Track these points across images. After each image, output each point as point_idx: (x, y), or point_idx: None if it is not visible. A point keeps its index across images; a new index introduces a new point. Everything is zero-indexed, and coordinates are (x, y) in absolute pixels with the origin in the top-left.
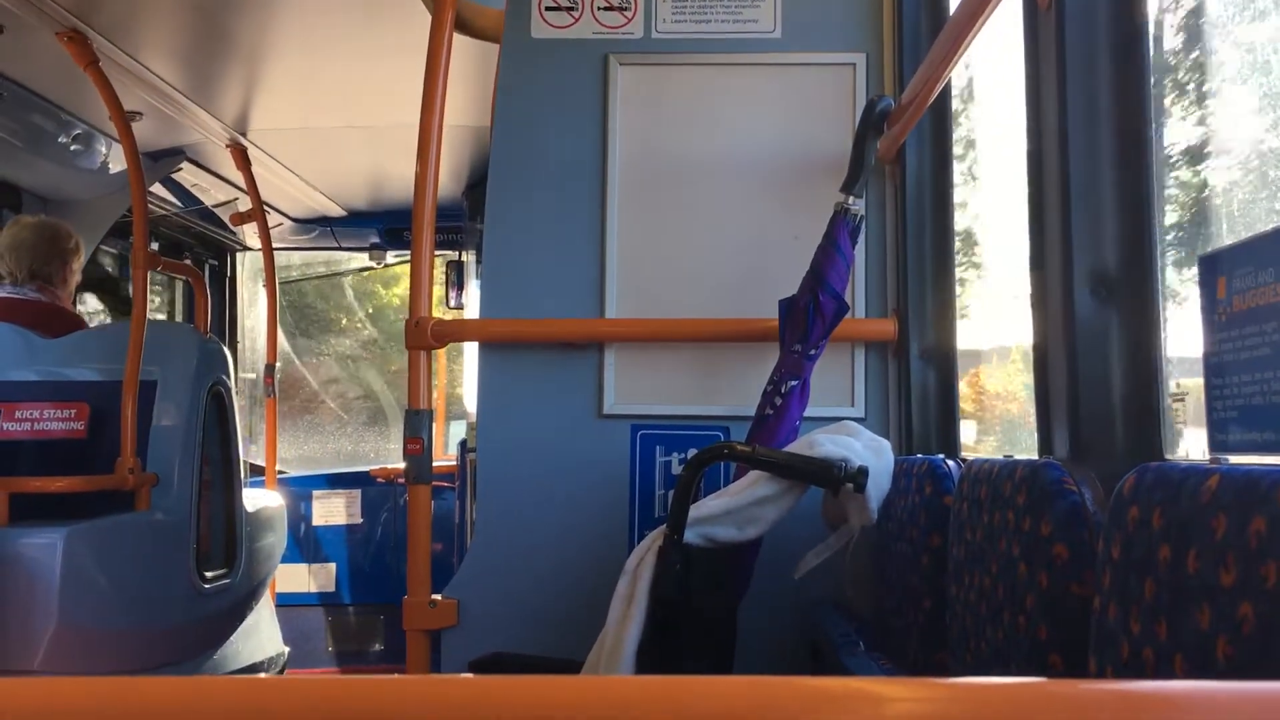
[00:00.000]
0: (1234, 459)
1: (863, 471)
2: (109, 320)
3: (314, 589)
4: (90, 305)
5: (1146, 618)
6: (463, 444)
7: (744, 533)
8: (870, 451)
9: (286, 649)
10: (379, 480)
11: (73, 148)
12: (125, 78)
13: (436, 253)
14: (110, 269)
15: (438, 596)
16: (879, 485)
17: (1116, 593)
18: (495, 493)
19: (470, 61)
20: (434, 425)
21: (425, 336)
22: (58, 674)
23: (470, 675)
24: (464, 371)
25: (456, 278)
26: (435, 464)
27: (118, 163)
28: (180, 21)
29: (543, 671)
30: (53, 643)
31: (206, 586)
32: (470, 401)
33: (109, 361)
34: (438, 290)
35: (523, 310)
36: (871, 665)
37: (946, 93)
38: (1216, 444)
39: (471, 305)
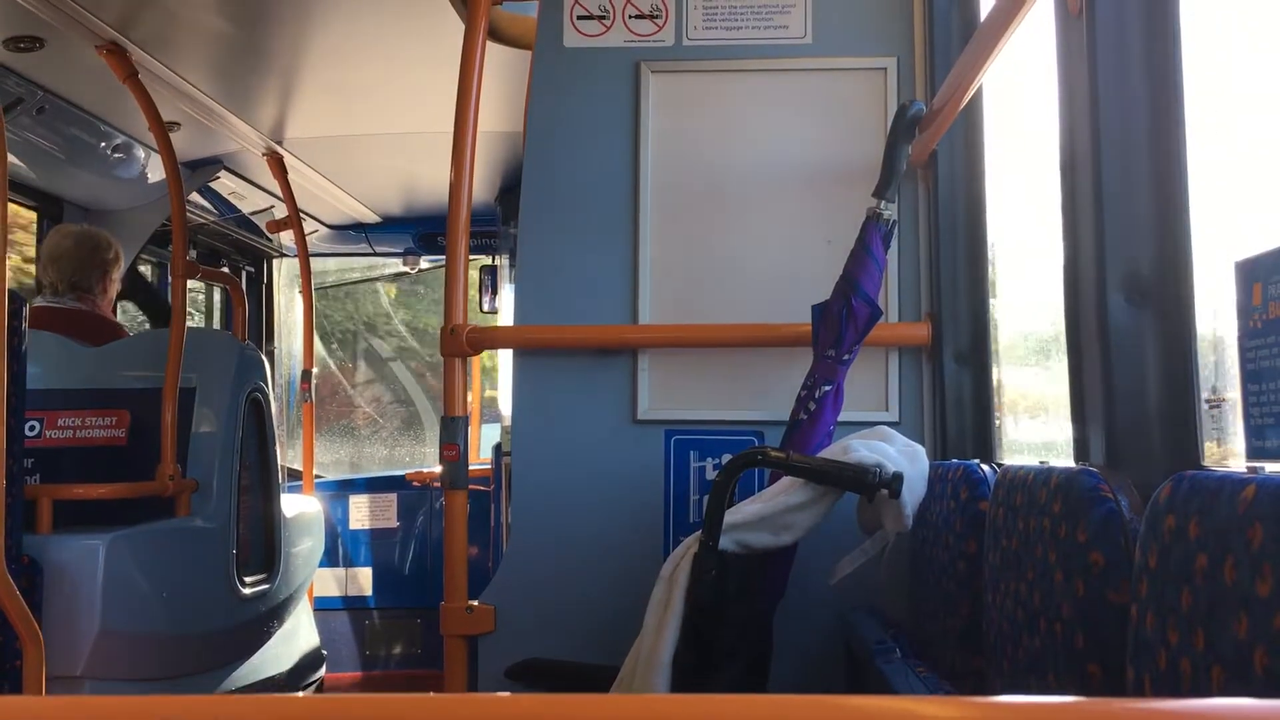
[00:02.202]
0: (1274, 468)
1: (897, 477)
2: (149, 327)
3: (351, 593)
4: (130, 312)
5: (1184, 628)
6: (497, 447)
7: (779, 539)
8: (905, 457)
9: (324, 653)
10: (415, 484)
11: (113, 158)
12: (164, 89)
13: (470, 258)
14: (150, 277)
15: (474, 603)
16: (914, 491)
17: (1154, 602)
18: (531, 498)
19: (503, 68)
20: (469, 429)
21: (461, 344)
22: (101, 679)
23: (505, 695)
24: (499, 374)
25: (490, 282)
26: (470, 467)
27: (156, 172)
28: (217, 34)
29: (579, 678)
30: (96, 648)
31: (246, 591)
32: (505, 405)
33: (149, 369)
34: (472, 295)
35: (557, 317)
36: (907, 672)
37: (978, 97)
38: (1253, 450)
39: (506, 310)
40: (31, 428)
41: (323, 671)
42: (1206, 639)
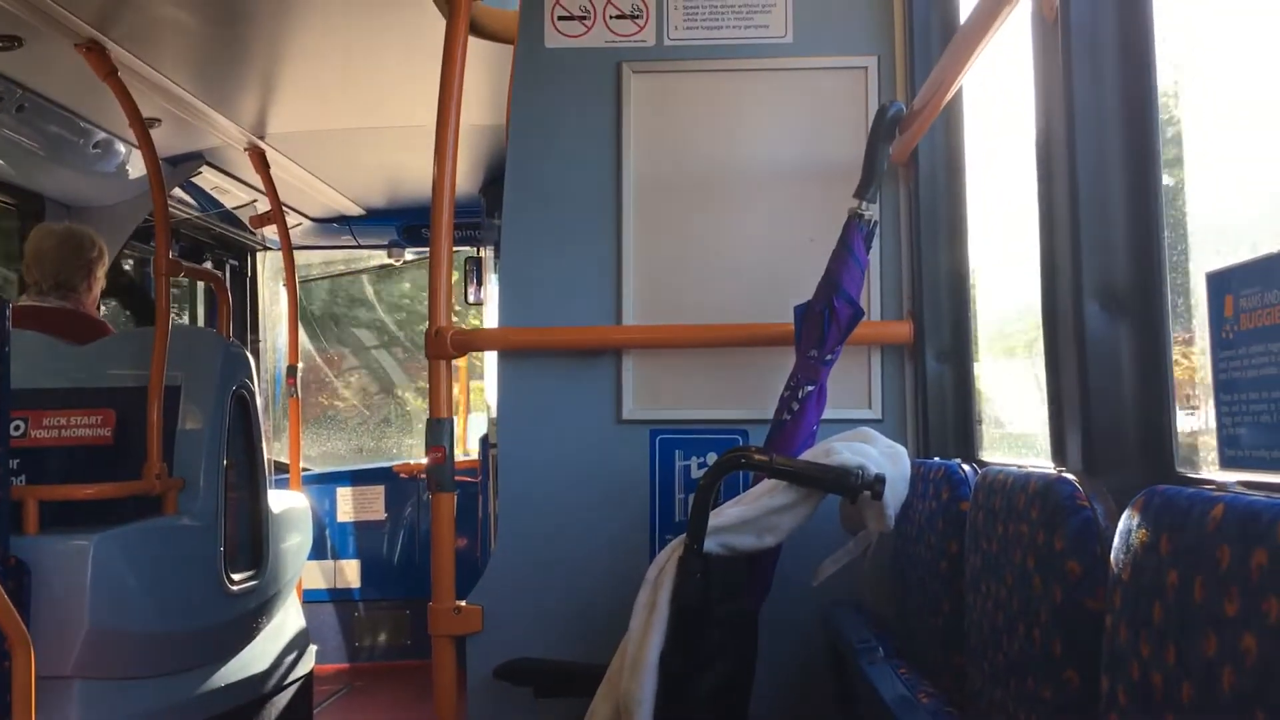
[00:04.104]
0: (1246, 476)
1: (880, 479)
2: (133, 324)
3: (340, 585)
4: (114, 308)
5: (1155, 641)
6: (484, 439)
7: (762, 540)
8: (887, 459)
9: (314, 646)
10: (402, 475)
11: (93, 154)
12: (144, 86)
13: (455, 249)
14: (132, 273)
15: (462, 603)
16: (896, 492)
17: (1127, 613)
18: (517, 499)
19: (485, 61)
20: (455, 424)
21: (445, 346)
22: (90, 678)
23: None
24: (484, 365)
25: (475, 274)
26: (458, 459)
27: (138, 168)
28: (197, 30)
29: (566, 676)
30: (85, 647)
31: (234, 588)
32: (491, 395)
33: (134, 367)
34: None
35: (541, 318)
36: (890, 674)
37: (959, 96)
38: (1226, 459)
39: (490, 300)
40: (16, 428)
41: (311, 665)
42: (1177, 654)
